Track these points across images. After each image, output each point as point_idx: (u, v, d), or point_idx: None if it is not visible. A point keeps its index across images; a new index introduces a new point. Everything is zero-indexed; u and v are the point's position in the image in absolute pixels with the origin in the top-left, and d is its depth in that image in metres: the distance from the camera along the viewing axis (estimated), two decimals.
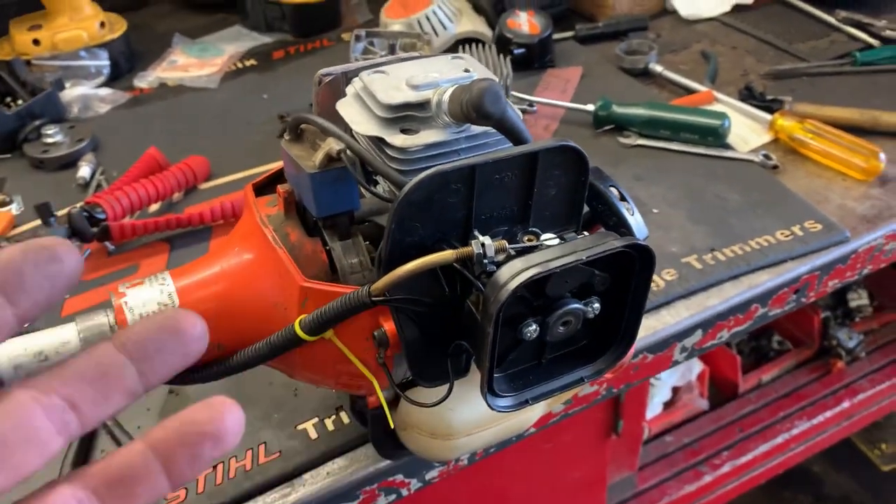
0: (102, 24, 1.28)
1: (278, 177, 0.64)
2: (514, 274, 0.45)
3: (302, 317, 0.52)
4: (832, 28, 1.30)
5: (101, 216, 0.92)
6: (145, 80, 1.28)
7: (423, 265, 0.48)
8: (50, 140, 1.10)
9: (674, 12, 1.40)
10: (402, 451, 0.68)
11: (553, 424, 0.83)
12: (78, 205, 0.92)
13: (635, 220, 0.58)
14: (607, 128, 1.07)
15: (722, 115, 1.03)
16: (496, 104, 0.49)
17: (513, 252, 0.49)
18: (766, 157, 1.01)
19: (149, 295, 0.55)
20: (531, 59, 1.22)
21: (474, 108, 0.49)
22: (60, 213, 0.95)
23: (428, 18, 1.24)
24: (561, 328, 0.50)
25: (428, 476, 0.75)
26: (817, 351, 1.72)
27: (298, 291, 0.53)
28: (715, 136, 1.02)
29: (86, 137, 1.11)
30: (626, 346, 0.53)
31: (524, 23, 1.22)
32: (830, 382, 1.67)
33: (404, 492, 0.74)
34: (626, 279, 0.51)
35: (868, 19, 1.26)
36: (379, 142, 0.54)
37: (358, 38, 1.06)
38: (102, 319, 0.55)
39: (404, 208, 0.49)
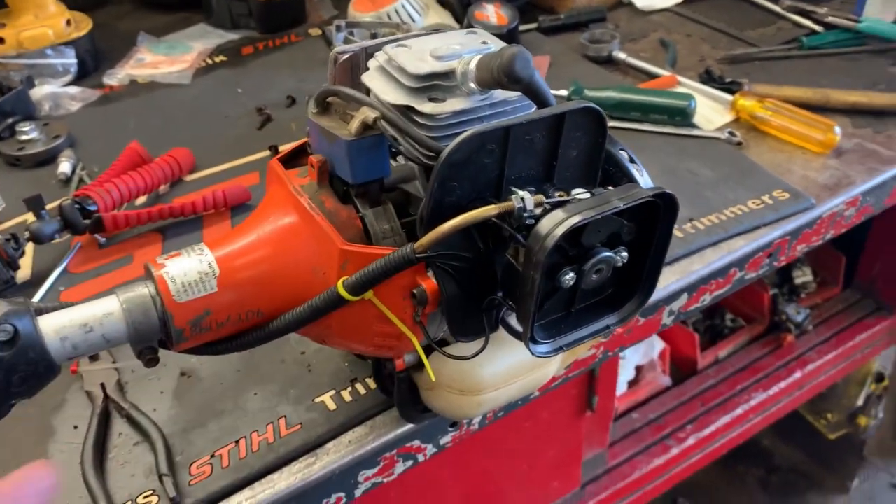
0: (68, 22, 1.27)
1: (299, 152, 0.66)
2: (558, 222, 0.49)
3: (344, 278, 0.55)
4: (778, 16, 1.38)
5: (93, 208, 0.92)
6: (115, 78, 1.28)
7: (467, 220, 0.52)
8: (25, 137, 1.09)
9: (629, 4, 1.46)
10: (425, 415, 0.71)
11: (548, 392, 0.86)
12: (68, 197, 0.92)
13: (644, 180, 0.62)
14: None
15: (688, 97, 1.09)
16: (526, 68, 0.53)
17: (548, 206, 0.52)
18: (732, 134, 1.07)
19: (189, 265, 0.57)
20: None
21: (505, 72, 0.53)
22: (49, 206, 0.95)
23: (397, 12, 1.27)
24: (594, 276, 0.54)
25: (443, 441, 0.78)
26: (768, 326, 1.80)
27: (339, 254, 0.55)
28: (683, 115, 1.08)
29: (62, 134, 1.10)
30: (648, 293, 0.57)
31: (492, 14, 1.26)
32: (782, 355, 1.76)
33: (420, 457, 0.77)
34: (648, 229, 0.55)
35: (811, 7, 1.34)
36: (408, 110, 0.57)
37: (339, 29, 1.08)
38: (143, 290, 0.56)
39: (446, 168, 0.52)
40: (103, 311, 0.55)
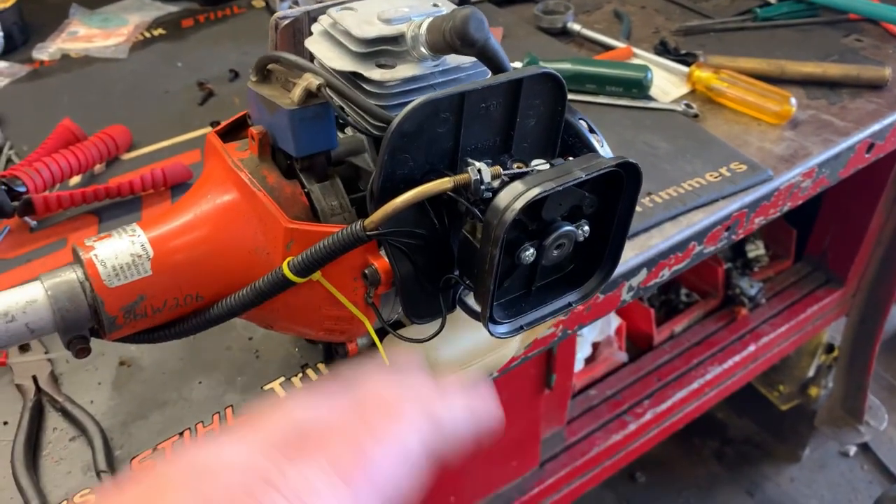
0: None
1: (239, 125, 0.61)
2: (518, 195, 0.46)
3: (289, 258, 0.51)
4: None
5: (22, 189, 0.86)
6: (45, 52, 1.20)
7: (420, 194, 0.48)
8: None
9: None
10: None
11: (507, 372, 0.84)
12: None
13: (605, 151, 0.60)
14: None
15: (644, 68, 1.06)
16: (480, 30, 0.50)
17: (506, 178, 0.50)
18: (688, 106, 1.05)
19: (120, 246, 0.52)
20: None
21: (458, 35, 0.49)
22: None
23: None
24: (555, 251, 0.51)
25: None
26: (722, 300, 1.81)
27: (283, 233, 0.52)
28: (639, 87, 1.06)
29: None
30: (611, 269, 0.55)
31: None
32: (736, 329, 1.77)
33: None
34: (611, 202, 0.53)
35: None
36: (354, 77, 0.53)
37: None
38: (71, 275, 0.52)
39: (397, 139, 0.49)
40: (26, 298, 0.51)
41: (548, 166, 0.51)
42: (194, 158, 0.98)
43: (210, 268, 0.54)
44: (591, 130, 0.59)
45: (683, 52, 1.16)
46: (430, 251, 0.53)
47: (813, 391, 2.10)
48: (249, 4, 1.36)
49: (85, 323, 0.52)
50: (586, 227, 0.52)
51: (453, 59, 0.55)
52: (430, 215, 0.52)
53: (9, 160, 0.98)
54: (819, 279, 1.86)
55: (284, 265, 0.51)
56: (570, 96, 1.06)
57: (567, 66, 1.07)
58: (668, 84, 1.11)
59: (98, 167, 0.97)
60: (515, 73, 0.51)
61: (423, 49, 0.53)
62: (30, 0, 1.32)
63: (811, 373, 2.07)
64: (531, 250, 0.50)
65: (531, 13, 1.27)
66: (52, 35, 1.26)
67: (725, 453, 2.23)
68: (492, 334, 0.51)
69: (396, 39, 0.54)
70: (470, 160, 0.50)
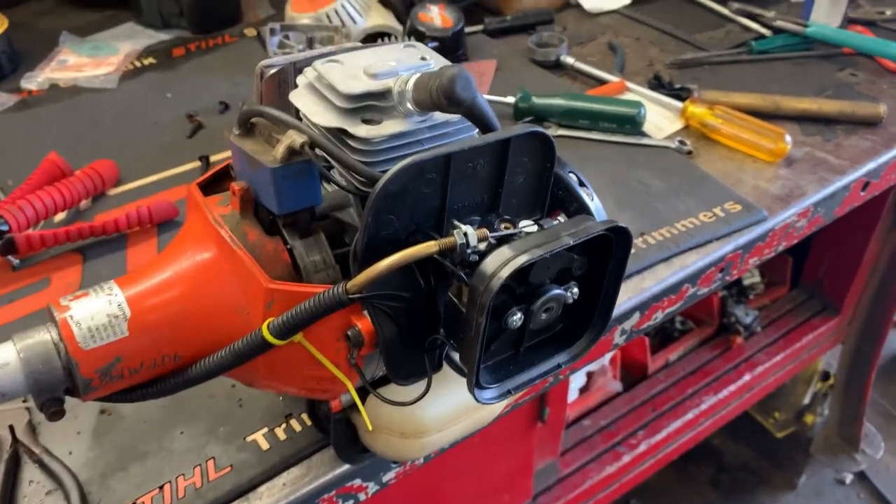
0: None
1: (223, 174, 0.60)
2: (504, 262, 0.45)
3: (269, 320, 0.50)
4: (726, 19, 1.37)
5: (4, 227, 0.84)
6: (34, 82, 1.19)
7: (404, 258, 0.47)
8: None
9: (577, 6, 1.43)
10: (364, 455, 0.66)
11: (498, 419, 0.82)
12: None
13: (595, 205, 0.58)
14: (527, 119, 1.08)
15: (637, 104, 1.05)
16: (467, 90, 0.49)
17: (493, 241, 0.48)
18: (682, 142, 1.04)
19: (97, 306, 0.51)
20: (445, 53, 1.20)
21: (445, 94, 0.48)
22: None
23: (336, 12, 1.22)
24: (543, 315, 0.50)
25: (385, 478, 0.73)
26: (718, 328, 1.79)
27: (264, 293, 0.50)
28: (632, 124, 1.05)
29: None
30: (601, 329, 0.54)
31: (436, 16, 1.22)
32: (732, 357, 1.75)
33: (362, 496, 0.72)
34: (600, 262, 0.52)
35: (759, 10, 1.33)
36: (340, 133, 0.52)
37: (273, 32, 1.02)
38: (45, 336, 0.50)
39: (381, 200, 0.47)
40: None
41: (536, 228, 0.49)
42: (181, 194, 0.97)
43: (189, 328, 0.52)
44: (582, 184, 0.58)
45: (678, 85, 1.15)
46: (416, 312, 0.51)
47: (809, 418, 2.09)
48: (241, 34, 1.35)
49: (59, 385, 0.50)
50: (575, 290, 0.51)
51: (441, 115, 0.54)
52: (415, 275, 0.51)
53: None
54: (815, 307, 1.85)
55: (264, 327, 0.49)
56: (562, 132, 1.06)
57: (560, 101, 1.06)
58: (661, 119, 1.10)
59: (84, 203, 0.96)
60: (503, 132, 0.50)
61: (409, 105, 0.51)
62: (19, 27, 1.32)
63: (807, 400, 2.06)
64: (519, 314, 0.49)
65: (525, 45, 1.26)
66: (41, 64, 1.24)
67: (721, 480, 2.21)
68: (478, 401, 0.50)
69: (383, 94, 0.53)
70: (456, 222, 0.49)
